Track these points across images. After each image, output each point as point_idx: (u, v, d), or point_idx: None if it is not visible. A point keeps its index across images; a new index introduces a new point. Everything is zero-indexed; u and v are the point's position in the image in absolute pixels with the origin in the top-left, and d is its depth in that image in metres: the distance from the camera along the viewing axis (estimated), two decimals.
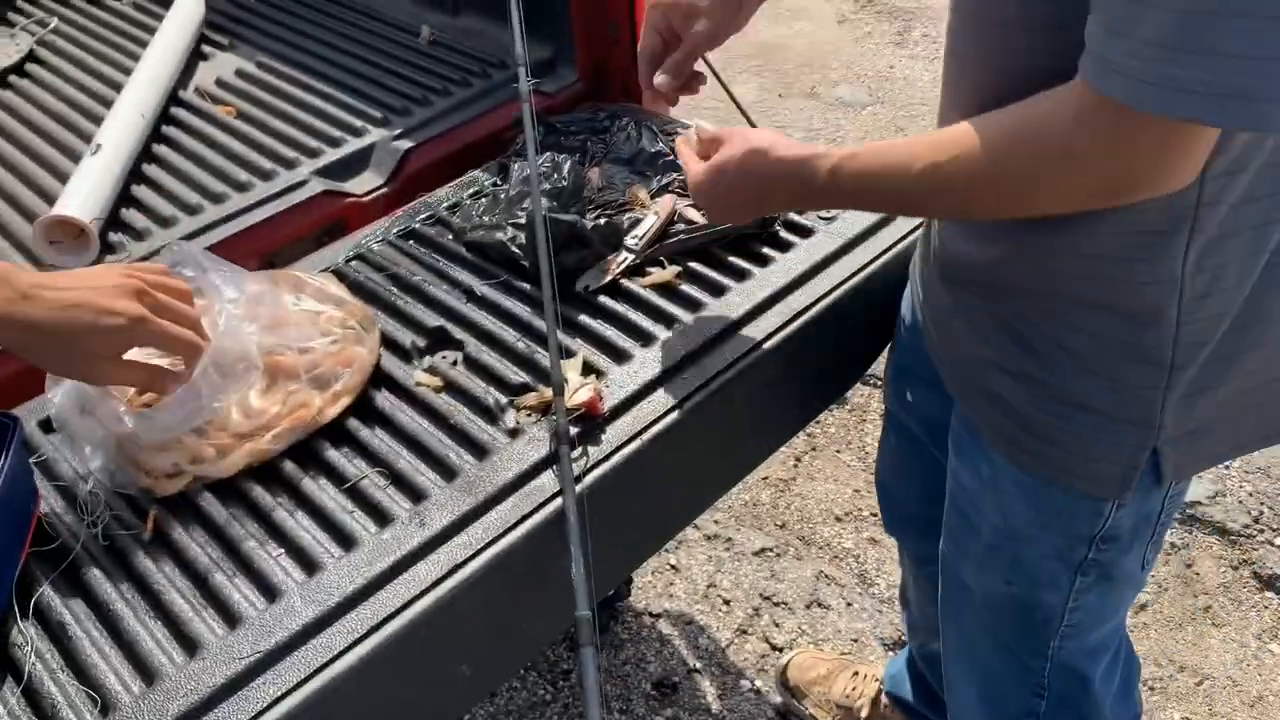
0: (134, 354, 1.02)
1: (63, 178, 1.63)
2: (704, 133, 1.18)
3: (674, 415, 1.18)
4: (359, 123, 1.75)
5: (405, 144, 1.71)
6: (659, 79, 1.24)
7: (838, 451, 2.50)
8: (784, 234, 1.44)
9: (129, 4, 2.21)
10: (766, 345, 1.26)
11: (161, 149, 1.72)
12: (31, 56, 2.02)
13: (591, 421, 1.16)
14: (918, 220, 1.42)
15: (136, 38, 2.05)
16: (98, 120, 1.75)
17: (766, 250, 1.41)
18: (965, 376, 1.17)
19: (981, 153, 0.87)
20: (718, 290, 1.35)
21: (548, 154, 1.50)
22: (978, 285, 1.10)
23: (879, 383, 2.62)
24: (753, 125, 1.85)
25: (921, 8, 4.17)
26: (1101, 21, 0.78)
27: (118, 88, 1.84)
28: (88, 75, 1.94)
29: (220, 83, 1.90)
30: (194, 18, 2.03)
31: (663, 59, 1.23)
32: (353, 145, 1.71)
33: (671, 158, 1.57)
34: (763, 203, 1.12)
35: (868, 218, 1.43)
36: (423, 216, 1.55)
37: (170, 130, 1.76)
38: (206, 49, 2.01)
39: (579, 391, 1.15)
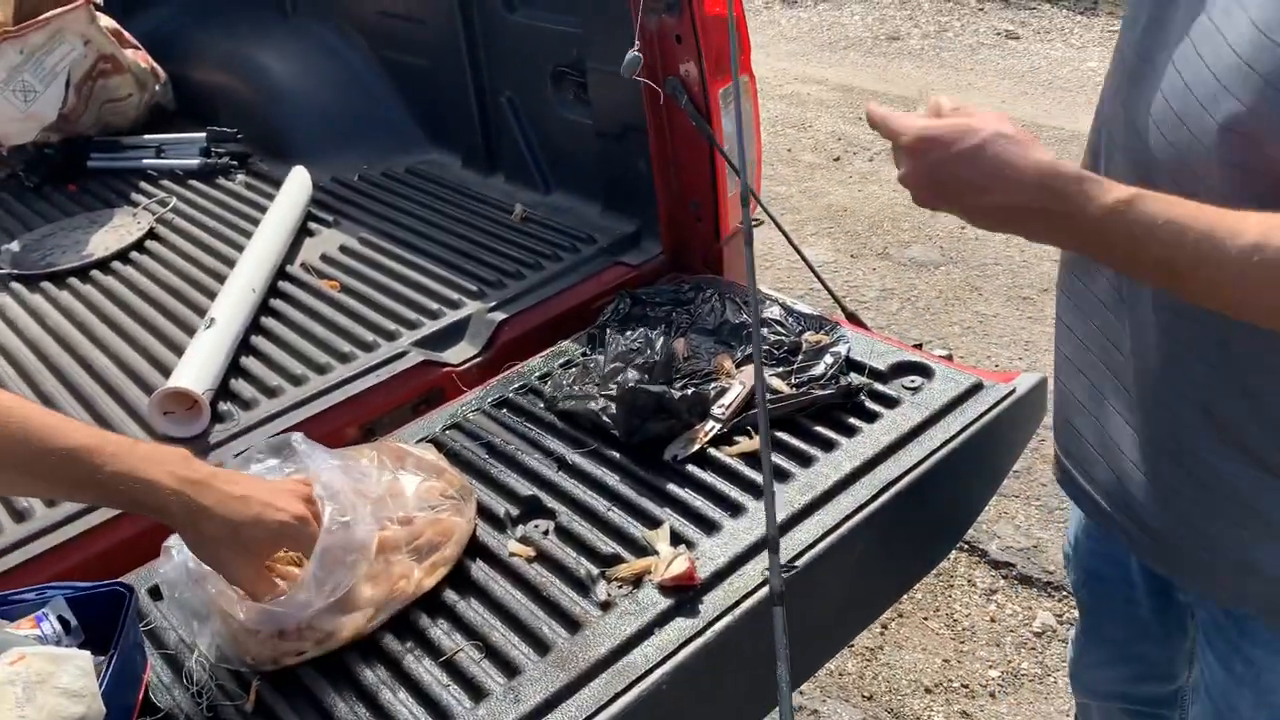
0: None
1: (177, 349, 1.73)
2: (942, 101, 0.98)
3: (764, 591, 1.18)
4: (456, 295, 1.84)
5: (499, 315, 1.78)
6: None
7: (925, 619, 2.44)
8: (869, 403, 1.46)
9: (241, 183, 2.38)
10: (856, 519, 1.26)
11: (269, 321, 1.82)
12: (151, 234, 2.17)
13: (685, 592, 1.17)
14: (1005, 391, 1.43)
15: (248, 215, 2.20)
16: (211, 294, 1.86)
17: (853, 420, 1.43)
18: (1215, 554, 1.05)
19: None
20: (805, 460, 1.37)
21: (640, 330, 1.56)
22: (1248, 450, 0.97)
23: (963, 545, 2.57)
24: (825, 286, 1.90)
25: None
26: None
27: (230, 263, 1.96)
28: (203, 251, 2.08)
29: (325, 258, 2.02)
30: (302, 196, 2.17)
31: None
32: (450, 317, 1.79)
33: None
34: (986, 196, 0.89)
35: (953, 389, 1.44)
36: (516, 385, 1.60)
37: (278, 303, 1.87)
38: (313, 226, 2.14)
39: (674, 562, 1.17)
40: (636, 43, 1.65)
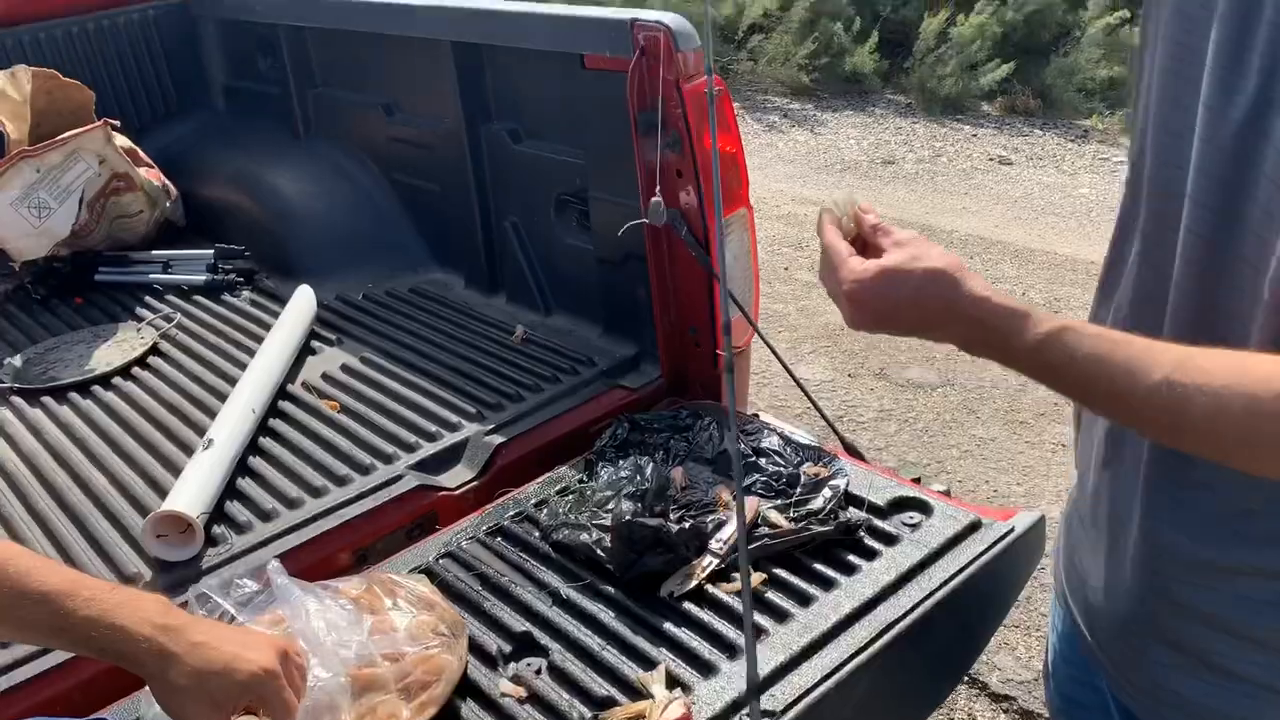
0: None
1: (174, 469, 1.73)
2: (864, 217, 1.01)
3: None
4: (454, 417, 1.84)
5: (497, 438, 1.78)
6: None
7: None
8: (868, 540, 1.45)
9: (247, 300, 2.40)
10: (857, 661, 1.24)
11: (267, 442, 1.81)
12: (155, 349, 2.19)
13: None
14: (1004, 530, 1.42)
15: (252, 332, 2.22)
16: (212, 412, 1.86)
17: (852, 557, 1.42)
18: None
19: (1244, 394, 0.78)
20: (804, 599, 1.35)
21: (630, 458, 1.56)
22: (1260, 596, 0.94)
23: (963, 678, 2.51)
24: (824, 417, 1.91)
25: None
26: None
27: (232, 381, 1.97)
28: (205, 368, 2.09)
29: (326, 376, 2.02)
30: (306, 315, 2.20)
31: None
32: (447, 440, 1.79)
33: (753, 459, 1.61)
34: (929, 329, 0.94)
35: (952, 527, 1.44)
36: (511, 513, 1.59)
37: (277, 423, 1.87)
38: (316, 344, 2.15)
39: (669, 707, 1.14)
40: (658, 191, 1.70)
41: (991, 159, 5.88)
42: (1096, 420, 1.11)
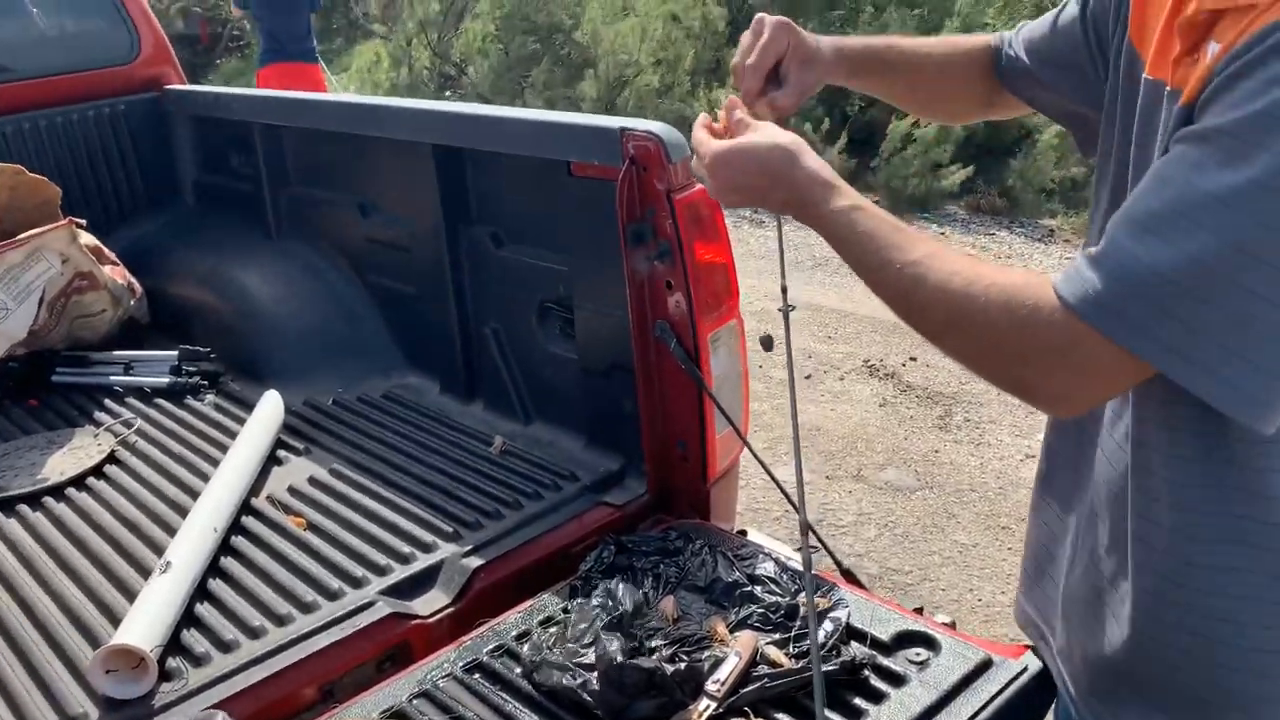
0: None
1: (129, 592, 1.61)
2: (732, 113, 1.17)
3: None
4: (429, 537, 1.75)
5: (475, 561, 1.69)
6: (760, 107, 1.23)
7: None
8: (875, 680, 1.36)
9: (211, 404, 2.31)
10: None
11: (229, 563, 1.71)
12: (112, 457, 2.08)
13: None
14: (1017, 669, 1.34)
15: (216, 440, 2.12)
16: (171, 529, 1.76)
17: (858, 700, 1.33)
18: None
19: (967, 291, 0.93)
20: None
21: (601, 584, 1.48)
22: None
23: None
24: (823, 544, 1.84)
25: (962, 391, 4.31)
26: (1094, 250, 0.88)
27: (194, 493, 1.87)
28: (165, 479, 1.98)
29: (293, 490, 1.93)
30: (273, 422, 2.10)
31: (768, 81, 1.25)
32: (421, 562, 1.69)
33: (749, 588, 1.53)
34: (770, 196, 1.12)
35: (962, 666, 1.36)
36: (491, 646, 1.49)
37: (240, 542, 1.76)
38: (283, 453, 2.06)
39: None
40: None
41: None
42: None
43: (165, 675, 1.46)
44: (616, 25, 7.95)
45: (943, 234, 6.34)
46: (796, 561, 1.62)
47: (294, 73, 6.30)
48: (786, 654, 1.38)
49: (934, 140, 6.68)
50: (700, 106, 7.63)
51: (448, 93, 9.46)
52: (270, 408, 2.13)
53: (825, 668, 1.35)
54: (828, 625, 1.43)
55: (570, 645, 1.41)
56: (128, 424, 2.20)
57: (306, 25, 6.49)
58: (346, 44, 12.90)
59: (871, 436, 4.05)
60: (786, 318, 1.27)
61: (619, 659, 1.31)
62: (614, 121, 1.78)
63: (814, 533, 1.69)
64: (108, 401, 2.32)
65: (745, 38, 1.26)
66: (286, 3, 6.35)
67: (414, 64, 9.25)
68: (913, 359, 4.64)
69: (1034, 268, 5.76)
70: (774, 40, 1.24)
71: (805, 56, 1.26)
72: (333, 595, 1.61)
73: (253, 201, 2.67)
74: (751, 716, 1.31)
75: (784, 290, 1.27)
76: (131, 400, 2.33)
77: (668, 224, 1.75)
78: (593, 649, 1.37)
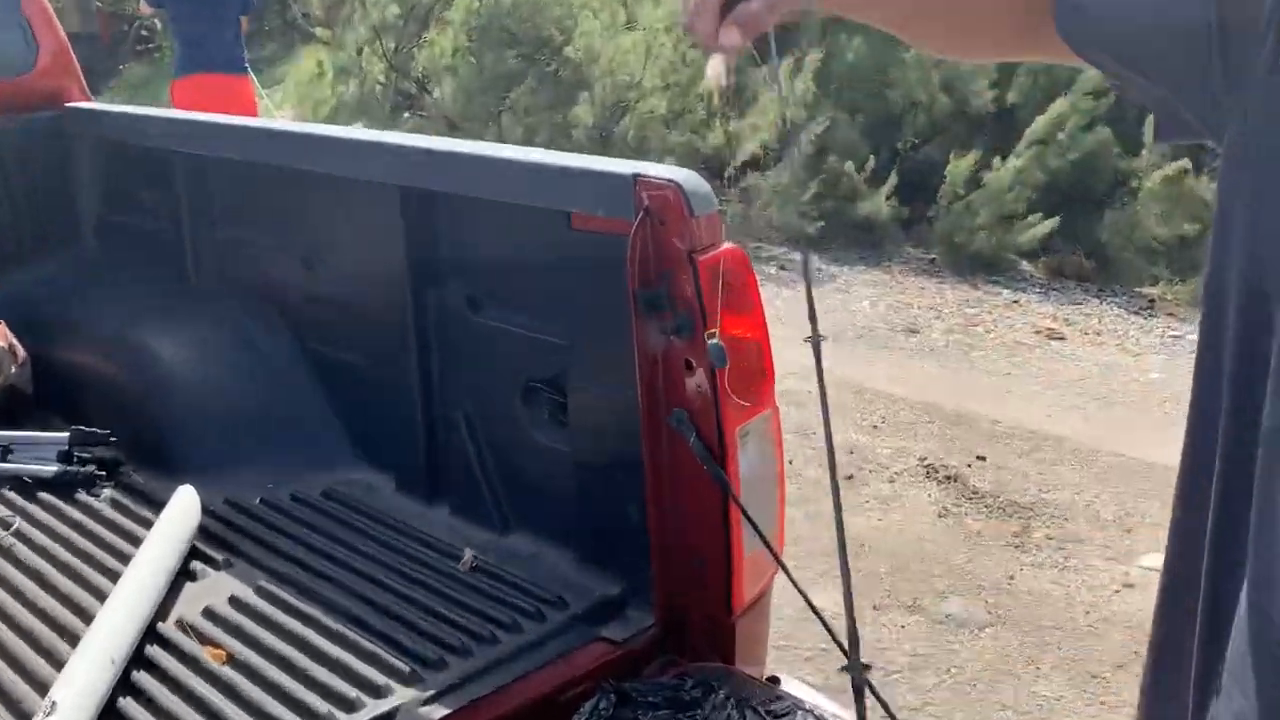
0: None
1: None
2: None
3: None
4: (381, 678, 1.74)
5: (438, 710, 1.69)
6: (726, 34, 1.16)
7: None
8: None
9: (108, 500, 2.31)
10: None
11: (129, 705, 1.70)
12: None
13: None
14: None
15: (115, 547, 2.12)
16: (58, 661, 1.75)
17: None
18: None
19: None
20: None
21: None
22: None
23: None
24: (846, 652, 1.82)
25: (1042, 501, 4.32)
26: None
27: (86, 615, 1.86)
28: (51, 596, 1.97)
29: (210, 613, 1.93)
30: (186, 525, 2.11)
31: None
32: (371, 709, 1.69)
33: None
34: None
35: None
36: None
37: (142, 679, 1.76)
38: (197, 565, 2.06)
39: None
40: (715, 331, 1.71)
41: (1038, 332, 6.01)
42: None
43: None
44: (617, 40, 8.12)
45: (1016, 302, 6.42)
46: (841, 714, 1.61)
47: (218, 86, 6.42)
48: None
49: (1005, 185, 6.79)
50: (716, 139, 7.77)
51: (406, 114, 9.62)
52: (183, 507, 2.14)
53: None
54: None
55: None
56: (4, 524, 2.20)
57: (235, 30, 6.63)
58: (282, 50, 13.17)
59: (929, 556, 4.05)
60: (817, 349, 1.33)
61: None
62: (625, 165, 1.82)
63: (871, 691, 1.69)
64: None
65: None
66: (210, 1, 6.49)
67: (365, 78, 9.42)
68: (980, 458, 4.66)
69: (1131, 346, 5.82)
70: None
71: None
72: None
73: (169, 247, 2.70)
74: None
75: (811, 312, 1.26)
76: (8, 493, 2.33)
77: (689, 290, 1.77)
78: None
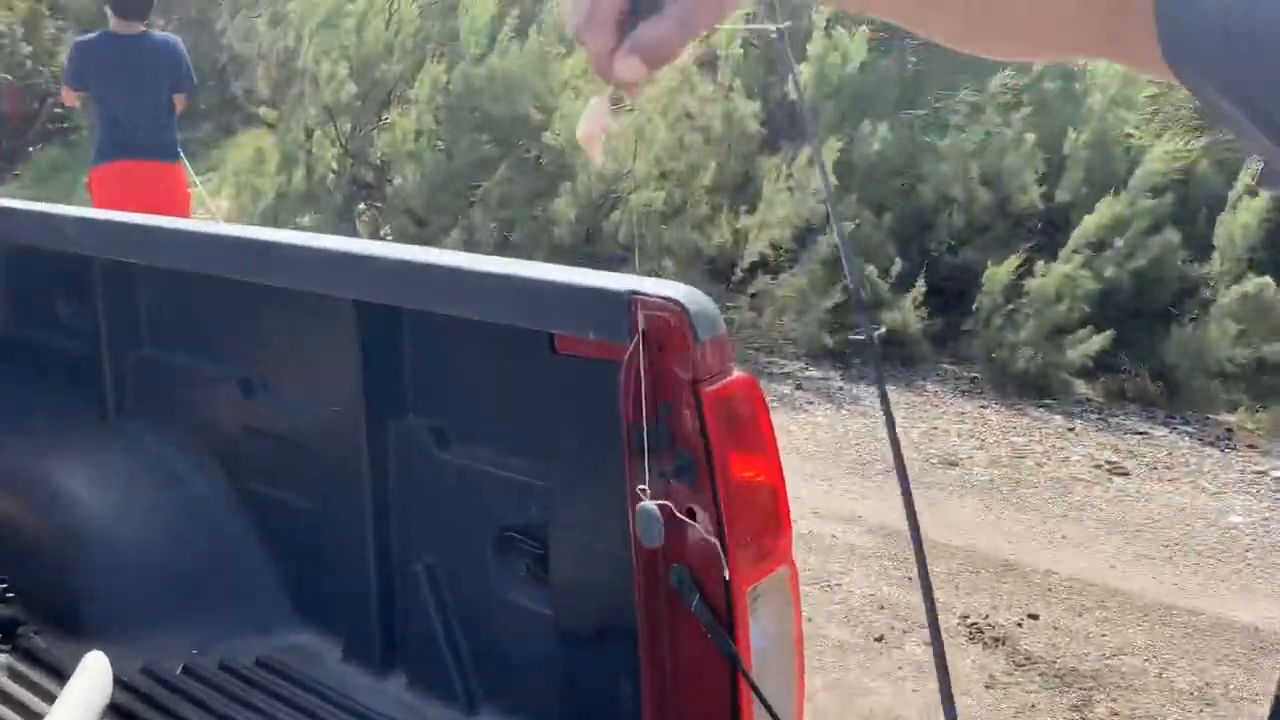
0: None
1: None
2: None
3: None
4: None
5: None
6: (626, 64, 0.98)
7: None
8: None
9: (2, 668, 2.29)
10: None
11: None
12: None
13: None
14: None
15: None
16: None
17: None
18: None
19: None
20: None
21: None
22: None
23: None
24: None
25: (1106, 669, 4.28)
26: None
27: None
28: None
29: None
30: (95, 700, 2.09)
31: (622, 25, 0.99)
32: None
33: None
34: None
35: None
36: None
37: None
38: None
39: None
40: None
41: (1097, 465, 6.02)
42: None
43: None
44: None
45: (1070, 429, 6.45)
46: None
47: (145, 175, 6.51)
48: None
49: (1053, 294, 6.86)
50: (722, 237, 7.87)
51: (362, 205, 9.75)
52: (91, 677, 2.12)
53: None
54: None
55: None
56: None
57: (168, 110, 6.73)
58: (218, 131, 13.38)
59: None
60: (875, 346, 1.28)
61: None
62: (619, 281, 1.84)
63: None
64: None
65: None
66: (141, 78, 6.60)
67: (315, 165, 9.56)
68: (1033, 616, 4.64)
69: (1206, 484, 5.83)
70: None
71: None
72: None
73: (84, 367, 2.72)
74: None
75: (858, 294, 1.25)
76: None
77: (691, 426, 1.79)
78: None
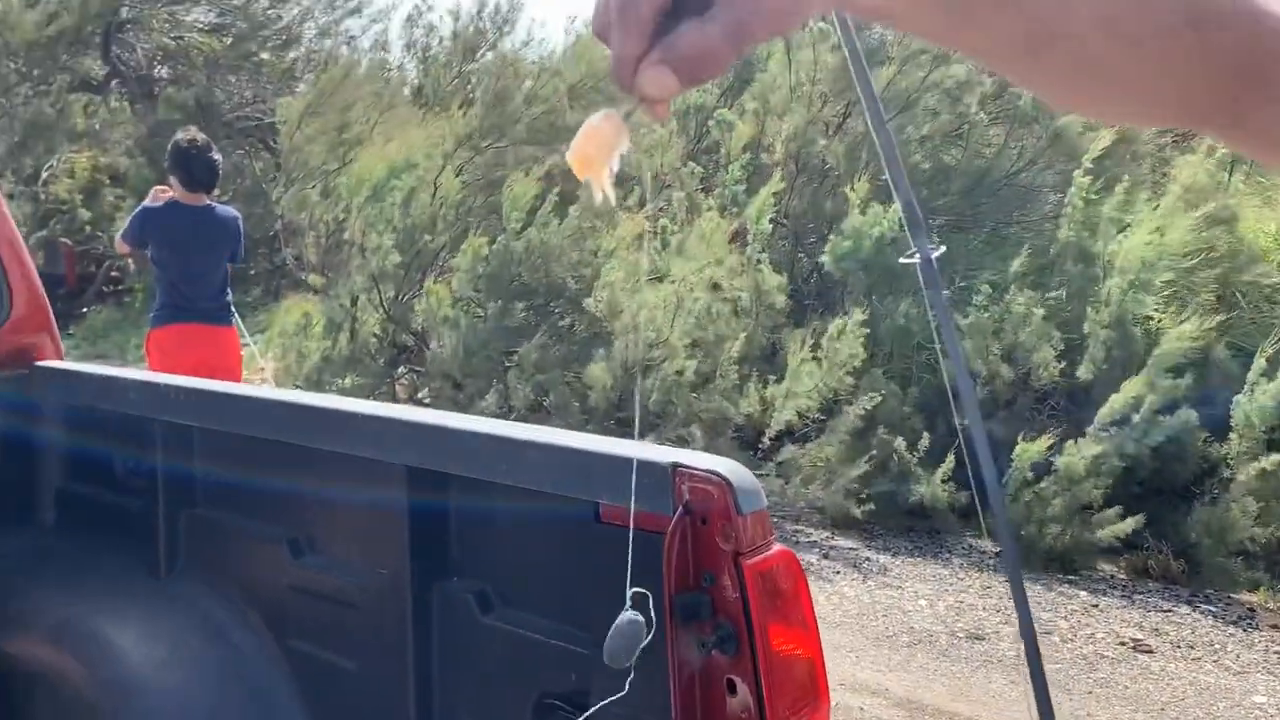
0: None
1: None
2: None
3: None
4: None
5: None
6: (653, 74, 0.79)
7: None
8: None
9: None
10: None
11: None
12: None
13: None
14: None
15: None
16: None
17: None
18: None
19: None
20: None
21: None
22: None
23: None
24: None
25: None
26: None
27: None
28: None
29: None
30: None
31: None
32: None
33: None
34: None
35: None
36: None
37: None
38: None
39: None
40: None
41: (1123, 643, 5.93)
42: None
43: None
44: (642, 294, 8.36)
45: (1095, 606, 6.37)
46: None
47: (201, 338, 6.58)
48: None
49: (1082, 473, 6.83)
50: (748, 406, 7.89)
51: (401, 369, 9.85)
52: None
53: None
54: None
55: None
56: None
57: (223, 277, 6.85)
58: (266, 296, 13.61)
59: None
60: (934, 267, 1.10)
61: None
62: (662, 454, 1.86)
63: None
64: None
65: None
66: (201, 243, 6.72)
67: (358, 330, 9.69)
68: None
69: (1230, 663, 5.73)
70: None
71: None
72: None
73: (139, 525, 2.73)
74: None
75: (913, 211, 1.11)
76: None
77: (733, 598, 1.79)
78: None
